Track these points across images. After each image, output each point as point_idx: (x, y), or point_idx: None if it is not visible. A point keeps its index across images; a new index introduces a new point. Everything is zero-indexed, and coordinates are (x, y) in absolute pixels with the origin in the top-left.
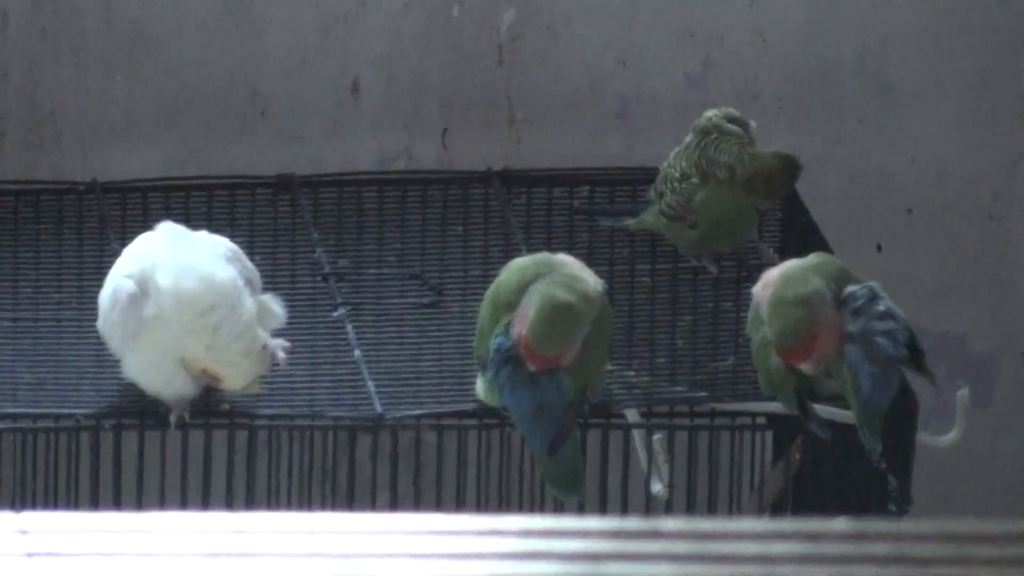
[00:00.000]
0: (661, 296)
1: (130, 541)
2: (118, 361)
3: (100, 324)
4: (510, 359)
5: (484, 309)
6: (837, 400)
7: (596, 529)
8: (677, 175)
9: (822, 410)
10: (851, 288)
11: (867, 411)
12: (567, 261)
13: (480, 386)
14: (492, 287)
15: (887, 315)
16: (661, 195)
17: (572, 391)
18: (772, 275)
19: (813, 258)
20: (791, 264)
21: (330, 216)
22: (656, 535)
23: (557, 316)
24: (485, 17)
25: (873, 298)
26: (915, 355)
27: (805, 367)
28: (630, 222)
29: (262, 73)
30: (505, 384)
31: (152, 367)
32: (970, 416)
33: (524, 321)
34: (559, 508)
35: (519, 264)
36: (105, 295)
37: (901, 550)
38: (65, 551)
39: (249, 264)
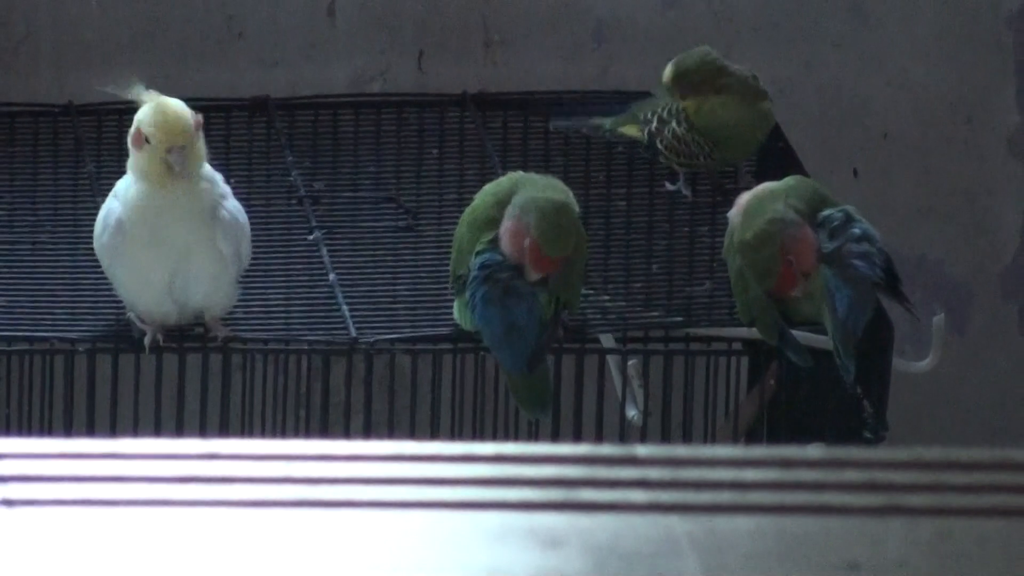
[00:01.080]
0: (637, 220)
1: (103, 466)
2: (93, 285)
3: (96, 249)
4: (487, 279)
5: (461, 231)
6: (812, 325)
7: (570, 455)
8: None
9: (799, 336)
10: (827, 211)
11: (842, 333)
12: (537, 176)
13: (456, 309)
14: (468, 210)
15: (863, 238)
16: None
17: (548, 310)
18: (744, 199)
19: (788, 181)
20: (763, 188)
21: (305, 139)
22: (630, 461)
23: (561, 216)
24: None
25: (849, 220)
26: (891, 279)
27: (797, 292)
28: (604, 123)
29: None
30: (478, 304)
31: (140, 282)
32: (946, 342)
33: (519, 233)
34: (533, 434)
35: (493, 184)
36: (98, 219)
37: (875, 477)
38: (38, 475)
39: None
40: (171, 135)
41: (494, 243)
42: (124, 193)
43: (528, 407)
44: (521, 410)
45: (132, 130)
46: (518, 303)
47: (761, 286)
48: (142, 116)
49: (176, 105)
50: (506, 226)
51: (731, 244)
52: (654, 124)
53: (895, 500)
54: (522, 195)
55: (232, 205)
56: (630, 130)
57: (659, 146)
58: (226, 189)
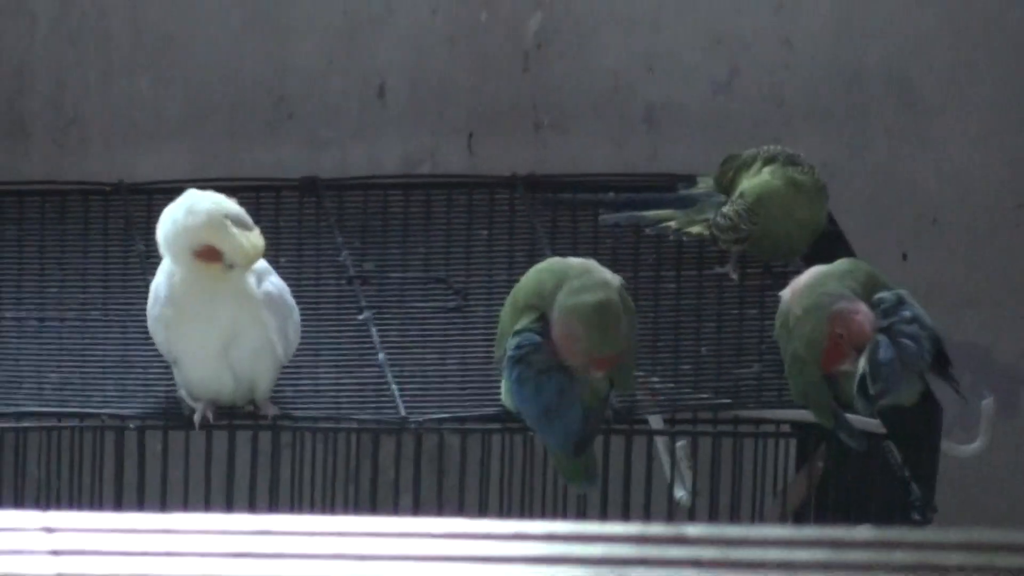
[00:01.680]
0: (686, 302)
1: (154, 541)
2: (143, 362)
3: (149, 324)
4: (520, 360)
5: (504, 313)
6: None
7: (620, 534)
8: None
9: (852, 419)
10: (881, 294)
11: (876, 376)
12: (579, 262)
13: (503, 390)
14: (510, 294)
15: (914, 320)
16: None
17: (594, 394)
18: (799, 281)
19: (842, 263)
20: (817, 270)
21: (355, 219)
22: (680, 541)
23: (605, 315)
24: (512, 22)
25: (901, 303)
26: (941, 362)
27: (847, 366)
28: (655, 216)
29: (289, 76)
30: (514, 385)
31: (197, 354)
32: (995, 426)
33: (570, 338)
34: (582, 515)
35: (534, 271)
36: (150, 292)
37: (924, 558)
38: (90, 550)
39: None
40: (249, 262)
41: (536, 324)
42: (172, 269)
43: (574, 481)
44: (568, 484)
45: (197, 245)
46: (549, 384)
47: (810, 357)
48: (227, 246)
49: (256, 238)
50: (557, 332)
51: (784, 324)
52: (716, 217)
53: None
54: (565, 295)
55: (276, 281)
56: (695, 228)
57: (714, 231)
58: (269, 268)
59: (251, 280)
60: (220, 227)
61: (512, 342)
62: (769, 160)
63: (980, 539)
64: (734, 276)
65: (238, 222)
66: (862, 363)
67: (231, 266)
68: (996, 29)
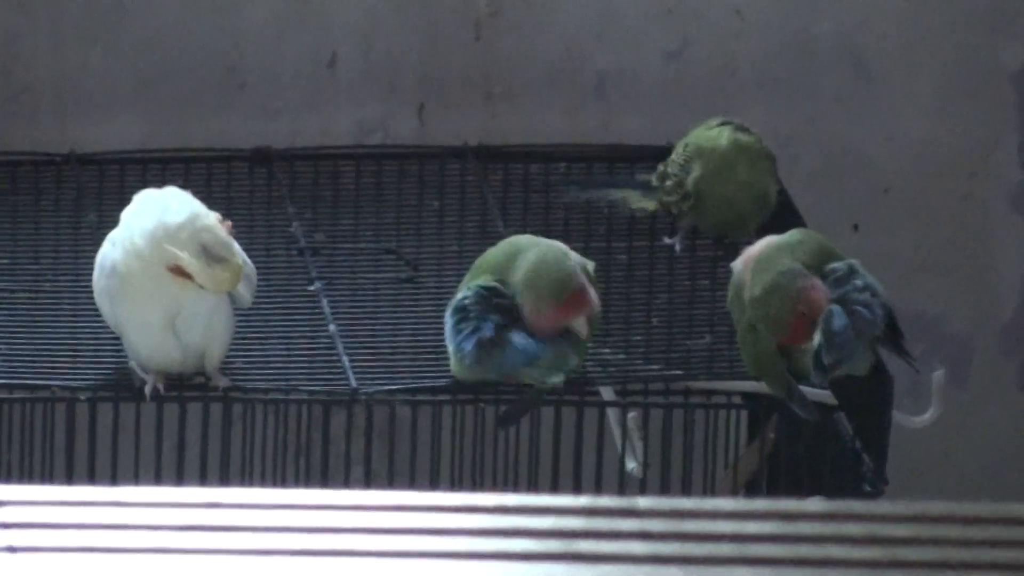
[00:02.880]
0: (637, 274)
1: (105, 513)
2: (94, 333)
3: (95, 295)
4: (463, 307)
5: (464, 281)
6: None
7: (570, 506)
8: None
9: (804, 390)
10: (832, 264)
11: (830, 345)
12: (548, 242)
13: (451, 356)
14: (475, 262)
15: (865, 288)
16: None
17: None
18: (751, 252)
19: (793, 234)
20: (768, 241)
21: (306, 190)
22: (631, 513)
23: (557, 263)
24: None
25: (852, 273)
26: (893, 332)
27: (808, 344)
28: (619, 196)
29: (240, 46)
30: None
31: (143, 327)
32: (946, 397)
33: (539, 302)
34: (532, 486)
35: (509, 241)
36: (96, 265)
37: (875, 530)
38: (40, 522)
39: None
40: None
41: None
42: (121, 242)
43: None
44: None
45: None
46: (486, 324)
47: (775, 337)
48: (197, 271)
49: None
50: (529, 312)
51: (736, 296)
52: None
53: (895, 554)
54: (523, 273)
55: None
56: (646, 204)
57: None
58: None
59: None
60: (197, 258)
61: (457, 296)
62: (722, 124)
63: (931, 511)
64: (678, 247)
65: (214, 250)
66: (816, 334)
67: (202, 288)
68: None
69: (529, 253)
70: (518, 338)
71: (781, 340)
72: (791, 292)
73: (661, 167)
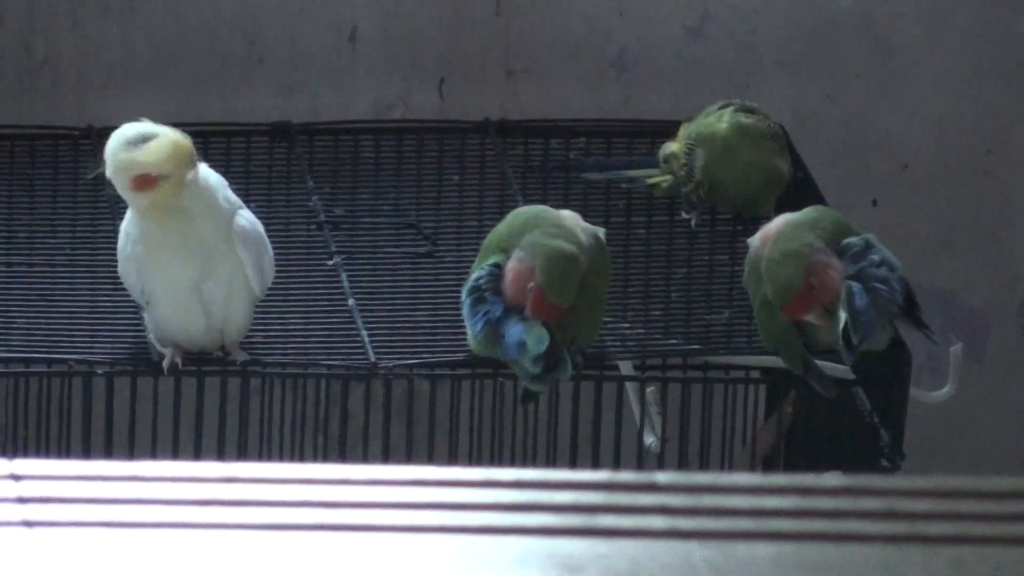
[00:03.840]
0: (656, 248)
1: (122, 488)
2: (112, 307)
3: (120, 265)
4: (477, 288)
5: (479, 256)
6: (833, 353)
7: (589, 481)
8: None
9: (822, 365)
10: (849, 239)
11: (855, 324)
12: (557, 213)
13: (469, 337)
14: (488, 235)
15: (882, 263)
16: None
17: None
18: (769, 229)
19: (810, 211)
20: (786, 218)
21: (326, 164)
22: (650, 488)
23: (569, 265)
24: None
25: (869, 248)
26: (910, 306)
27: (811, 318)
28: (637, 175)
29: (259, 20)
30: (468, 311)
31: (167, 293)
32: (963, 372)
33: (523, 275)
34: (551, 460)
35: (513, 213)
36: (120, 234)
37: (894, 505)
38: (57, 497)
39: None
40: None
41: (501, 259)
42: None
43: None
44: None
45: (134, 176)
46: (496, 305)
47: (777, 302)
48: (149, 158)
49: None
50: (512, 266)
51: (752, 272)
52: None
53: (913, 528)
54: (531, 237)
55: (248, 216)
56: (665, 183)
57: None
58: (241, 203)
59: (224, 212)
60: (122, 148)
61: (472, 276)
62: (723, 107)
63: (949, 486)
64: (694, 222)
65: (139, 139)
66: (842, 314)
67: (168, 180)
68: None
69: (547, 228)
70: (513, 329)
71: (783, 307)
72: (806, 263)
73: (663, 149)
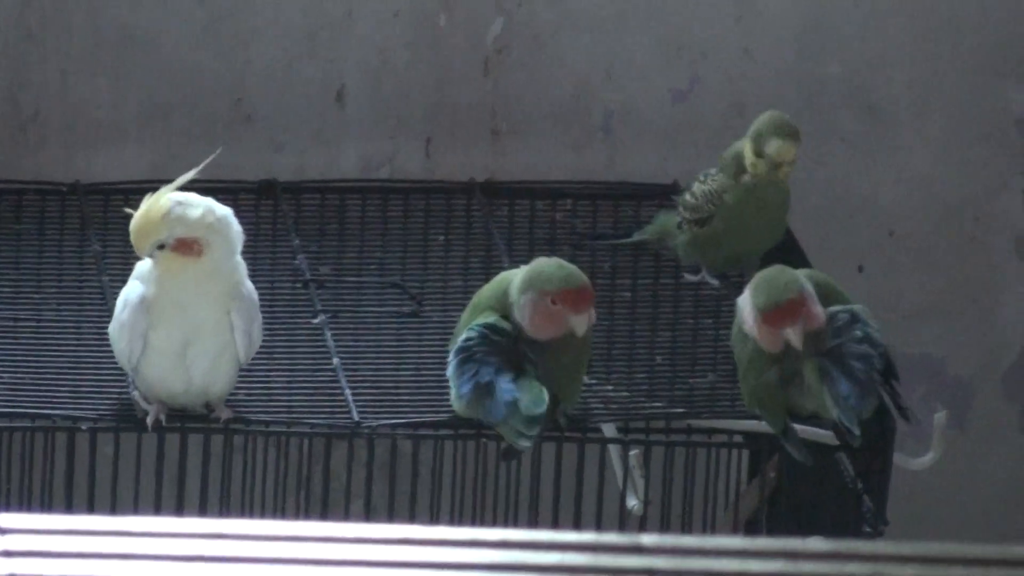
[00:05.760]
0: (641, 311)
1: (105, 543)
2: (96, 363)
3: (111, 327)
4: (466, 348)
5: (463, 316)
6: (814, 419)
7: (576, 542)
8: (712, 172)
9: (802, 430)
10: (835, 308)
11: (841, 407)
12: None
13: (452, 393)
14: (473, 297)
15: (864, 339)
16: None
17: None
18: (757, 277)
19: (803, 272)
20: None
21: (312, 223)
22: (636, 550)
23: (565, 265)
24: (472, 27)
25: (854, 321)
26: (889, 385)
27: (792, 334)
28: (642, 234)
29: (247, 78)
30: (455, 370)
31: (155, 354)
32: (947, 439)
33: (542, 298)
34: (533, 522)
35: (500, 275)
36: (119, 300)
37: (879, 570)
38: (41, 551)
39: None
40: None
41: (493, 319)
42: (148, 274)
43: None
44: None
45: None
46: (487, 366)
47: (762, 308)
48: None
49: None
50: (525, 305)
51: (739, 331)
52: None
53: None
54: (534, 273)
55: (249, 286)
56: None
57: (681, 207)
58: (245, 273)
59: (228, 281)
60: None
61: (461, 336)
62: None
63: (936, 552)
64: (714, 282)
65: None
66: (831, 406)
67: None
68: (956, 43)
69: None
70: (506, 387)
71: (767, 317)
72: (794, 283)
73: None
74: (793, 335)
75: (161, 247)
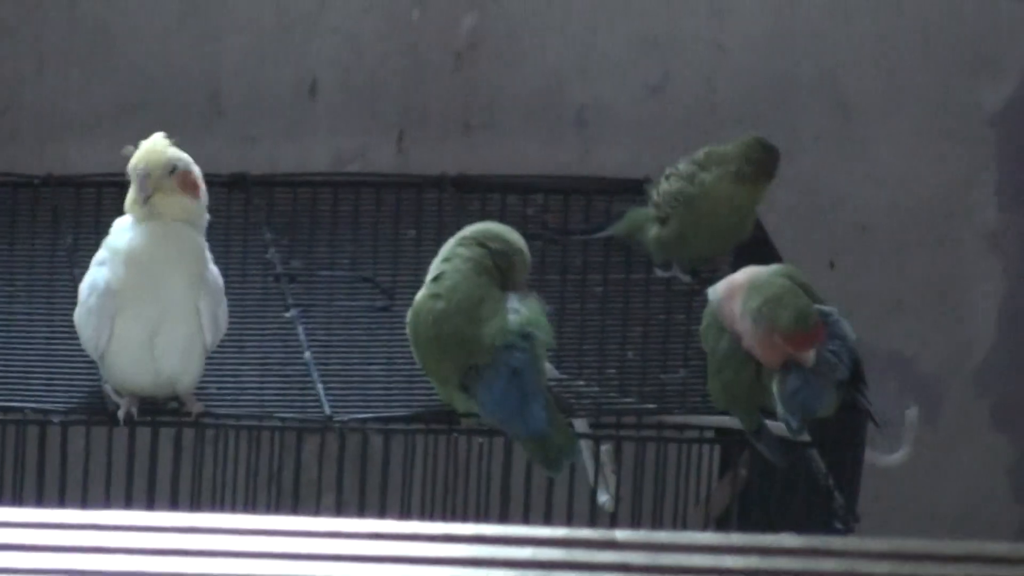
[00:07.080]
0: (612, 306)
1: (79, 536)
2: (68, 356)
3: (76, 314)
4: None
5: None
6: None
7: (549, 537)
8: (680, 167)
9: (774, 426)
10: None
11: (785, 402)
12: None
13: (450, 396)
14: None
15: (835, 336)
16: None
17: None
18: (736, 279)
19: (779, 268)
20: (756, 269)
21: (284, 216)
22: (610, 545)
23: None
24: (445, 22)
25: (824, 318)
26: (857, 381)
27: (810, 356)
28: (613, 229)
29: (220, 72)
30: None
31: (121, 342)
32: (918, 436)
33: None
34: (504, 516)
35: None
36: (83, 287)
37: (852, 566)
38: (12, 544)
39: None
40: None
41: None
42: (115, 246)
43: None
44: (547, 469)
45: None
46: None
47: (791, 326)
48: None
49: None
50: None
51: (711, 325)
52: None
53: None
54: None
55: (215, 270)
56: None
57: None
58: (210, 257)
59: (203, 257)
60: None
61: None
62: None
63: (908, 548)
64: (685, 278)
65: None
66: (776, 400)
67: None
68: (926, 40)
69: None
70: (537, 412)
71: (792, 338)
72: (810, 305)
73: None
74: (810, 357)
75: (172, 170)
